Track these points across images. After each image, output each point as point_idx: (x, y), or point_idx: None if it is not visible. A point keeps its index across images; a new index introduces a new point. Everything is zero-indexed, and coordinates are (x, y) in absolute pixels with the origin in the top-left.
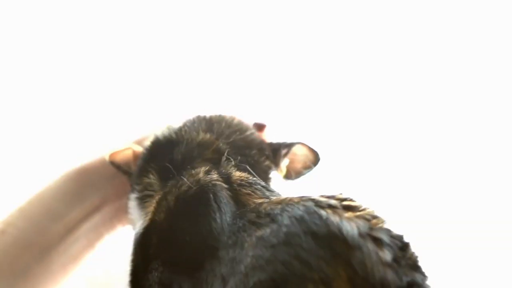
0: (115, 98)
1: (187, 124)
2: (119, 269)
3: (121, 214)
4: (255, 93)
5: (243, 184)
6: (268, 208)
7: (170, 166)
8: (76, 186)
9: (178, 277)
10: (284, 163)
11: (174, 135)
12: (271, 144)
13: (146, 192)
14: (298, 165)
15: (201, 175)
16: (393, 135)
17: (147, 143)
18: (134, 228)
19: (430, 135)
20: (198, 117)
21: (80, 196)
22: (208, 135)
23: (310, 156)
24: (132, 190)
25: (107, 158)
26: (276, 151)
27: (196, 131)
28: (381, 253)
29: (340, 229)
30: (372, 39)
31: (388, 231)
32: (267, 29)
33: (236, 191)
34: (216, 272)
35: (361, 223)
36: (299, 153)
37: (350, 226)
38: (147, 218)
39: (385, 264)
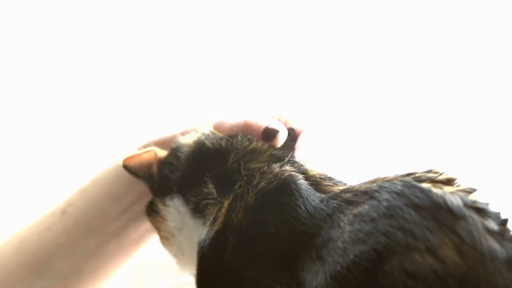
0: (119, 98)
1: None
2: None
3: None
4: (255, 93)
5: (322, 177)
6: (364, 187)
7: (227, 174)
8: None
9: (267, 270)
10: None
11: (223, 143)
12: None
13: (206, 202)
14: None
15: (276, 169)
16: (394, 135)
17: (186, 149)
18: (170, 235)
19: (431, 134)
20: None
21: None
22: (260, 143)
23: None
24: (176, 198)
25: (120, 163)
26: None
27: (248, 140)
28: (486, 223)
29: (444, 201)
30: (372, 36)
31: (487, 205)
32: (267, 29)
33: (317, 182)
34: (313, 256)
35: (463, 195)
36: None
37: (453, 198)
38: (218, 222)
39: (492, 233)
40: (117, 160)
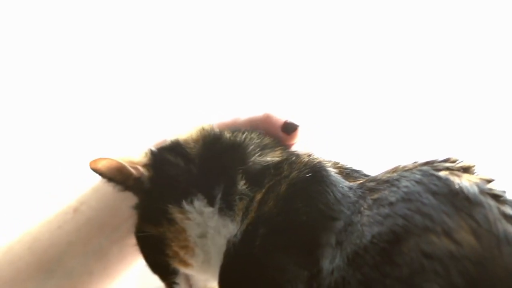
0: (119, 99)
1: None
2: None
3: None
4: (254, 92)
5: (347, 168)
6: (386, 176)
7: (254, 168)
8: None
9: (294, 258)
10: None
11: (239, 137)
12: None
13: (235, 197)
14: None
15: (306, 158)
16: (393, 134)
17: (194, 145)
18: (193, 246)
19: (431, 133)
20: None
21: None
22: (268, 138)
23: None
24: (197, 200)
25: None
26: None
27: (258, 134)
28: (503, 208)
29: (461, 188)
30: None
31: (504, 192)
32: (267, 29)
33: (344, 171)
34: (332, 242)
35: (479, 182)
36: None
37: (469, 185)
38: (250, 215)
39: (508, 217)
40: None
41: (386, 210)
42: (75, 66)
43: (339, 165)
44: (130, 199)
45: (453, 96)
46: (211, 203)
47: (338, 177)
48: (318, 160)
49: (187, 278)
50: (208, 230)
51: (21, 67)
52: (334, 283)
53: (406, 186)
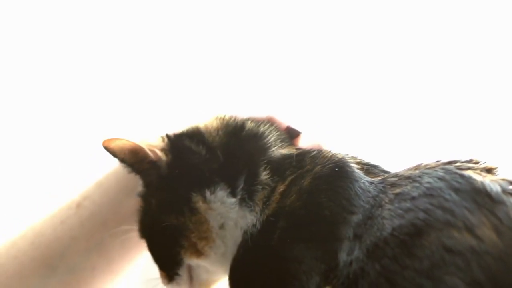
0: (119, 98)
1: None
2: None
3: None
4: (255, 93)
5: (366, 163)
6: (408, 173)
7: (276, 159)
8: None
9: (313, 251)
10: None
11: (261, 127)
12: None
13: (257, 188)
14: None
15: (329, 153)
16: (396, 137)
17: (217, 132)
18: (214, 237)
19: (435, 134)
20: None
21: None
22: (284, 133)
23: None
24: (220, 190)
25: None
26: None
27: (275, 129)
28: None
29: (483, 186)
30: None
31: None
32: (268, 29)
33: (366, 168)
34: (350, 236)
35: (502, 182)
36: None
37: (493, 184)
38: (270, 207)
39: None
40: None
41: (407, 204)
42: (75, 66)
43: (358, 160)
44: (133, 194)
45: (455, 96)
46: (233, 193)
47: (360, 173)
48: (341, 155)
49: (190, 269)
50: (228, 221)
51: (21, 67)
52: (353, 274)
53: (428, 182)
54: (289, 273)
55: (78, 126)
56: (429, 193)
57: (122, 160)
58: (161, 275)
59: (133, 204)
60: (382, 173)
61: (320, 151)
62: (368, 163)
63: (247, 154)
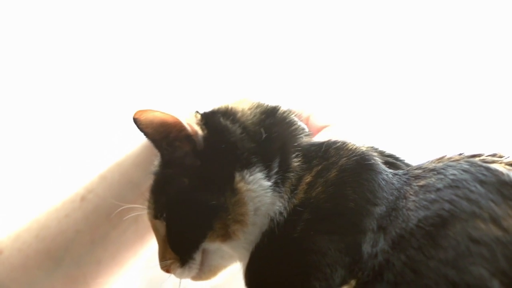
0: (119, 98)
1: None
2: None
3: None
4: (272, 88)
5: (389, 155)
6: (432, 165)
7: (306, 146)
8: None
9: (336, 243)
10: None
11: (292, 115)
12: None
13: (289, 174)
14: None
15: (353, 146)
16: (420, 131)
17: (253, 111)
18: (248, 221)
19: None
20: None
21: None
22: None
23: None
24: (258, 172)
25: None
26: None
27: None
28: None
29: (509, 178)
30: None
31: None
32: (268, 28)
33: (389, 161)
34: (374, 228)
35: None
36: None
37: None
38: (297, 196)
39: None
40: (136, 147)
41: (432, 196)
42: (75, 66)
43: (381, 152)
44: (136, 187)
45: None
46: (268, 177)
47: (383, 166)
48: (364, 147)
49: (203, 254)
50: (262, 206)
51: (21, 67)
52: (378, 265)
53: (453, 174)
54: (313, 265)
55: (79, 125)
56: (454, 185)
57: (150, 133)
58: (173, 258)
59: (137, 197)
60: (404, 165)
61: (344, 143)
62: (390, 154)
63: (282, 137)
